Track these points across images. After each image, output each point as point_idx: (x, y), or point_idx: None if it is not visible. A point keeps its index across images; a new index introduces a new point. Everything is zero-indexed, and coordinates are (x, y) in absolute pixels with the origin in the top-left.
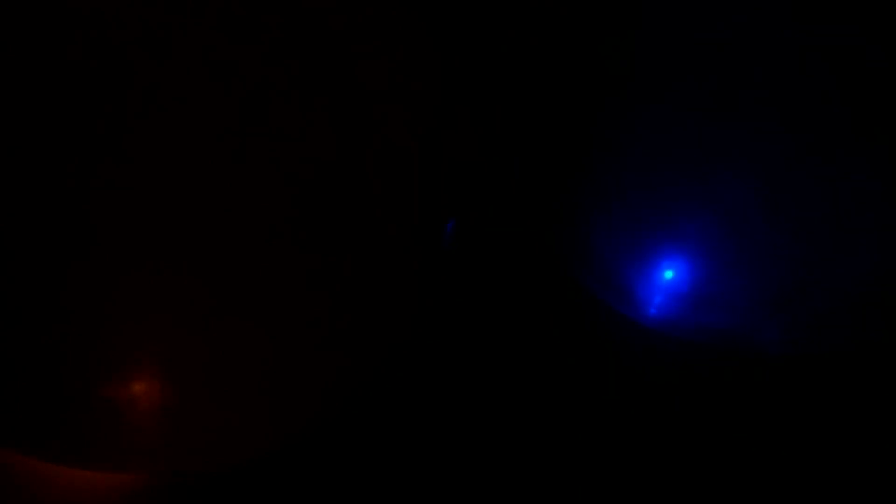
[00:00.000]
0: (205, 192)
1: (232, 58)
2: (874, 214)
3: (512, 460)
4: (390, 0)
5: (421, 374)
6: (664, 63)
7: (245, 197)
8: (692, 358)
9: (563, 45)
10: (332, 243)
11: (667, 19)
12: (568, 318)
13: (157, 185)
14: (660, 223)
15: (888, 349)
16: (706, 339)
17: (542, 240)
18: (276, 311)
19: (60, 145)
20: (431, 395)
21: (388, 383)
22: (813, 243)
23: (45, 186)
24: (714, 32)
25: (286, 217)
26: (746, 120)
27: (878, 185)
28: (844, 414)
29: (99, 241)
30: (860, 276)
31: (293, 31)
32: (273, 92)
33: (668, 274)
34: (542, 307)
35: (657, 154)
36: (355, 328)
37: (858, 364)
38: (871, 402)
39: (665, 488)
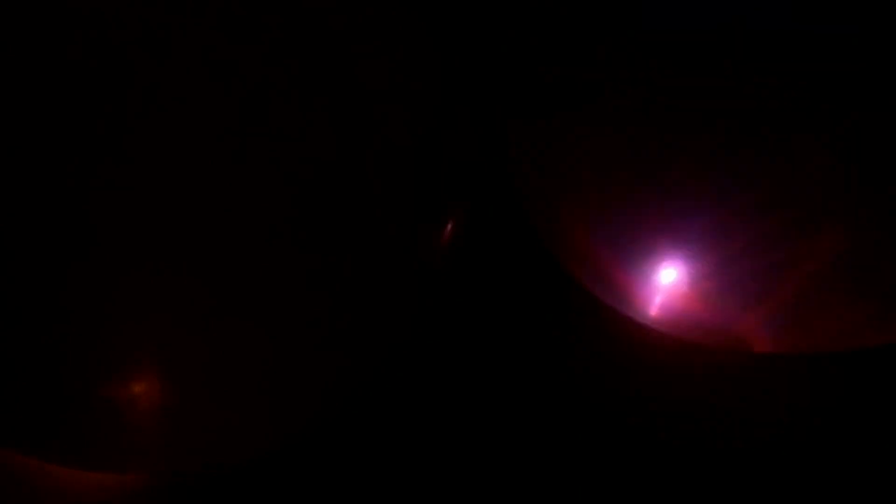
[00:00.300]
0: (205, 192)
1: (232, 58)
2: (871, 211)
3: (512, 460)
4: (390, 0)
5: (421, 375)
6: (662, 61)
7: (245, 197)
8: (691, 357)
9: (562, 44)
10: (332, 243)
11: (666, 17)
12: (566, 317)
13: (158, 185)
14: (657, 221)
15: (887, 349)
16: (703, 337)
17: (540, 239)
18: (276, 311)
19: (60, 145)
20: (432, 395)
21: (388, 383)
22: (811, 241)
23: (45, 186)
24: (712, 29)
25: (286, 217)
26: (742, 119)
27: (873, 180)
28: (842, 414)
29: (99, 241)
30: (858, 275)
31: (293, 31)
32: (273, 92)
33: (666, 272)
34: (540, 306)
35: (655, 152)
36: (355, 328)
37: (858, 364)
38: (869, 402)
39: (665, 488)
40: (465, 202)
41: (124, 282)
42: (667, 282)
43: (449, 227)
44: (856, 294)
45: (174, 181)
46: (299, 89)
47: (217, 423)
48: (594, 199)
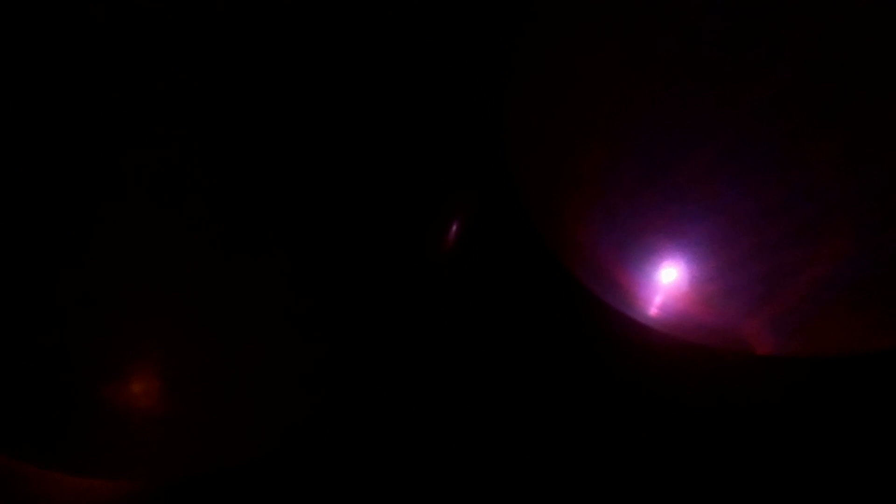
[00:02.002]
0: (203, 194)
1: (234, 56)
2: (873, 212)
3: (512, 460)
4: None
5: (422, 375)
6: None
7: (245, 196)
8: (693, 359)
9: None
10: (335, 243)
11: (674, 12)
12: (568, 317)
13: (156, 187)
14: (659, 221)
15: (886, 352)
16: (706, 339)
17: (542, 239)
18: (277, 312)
19: (61, 147)
20: (433, 395)
21: (388, 383)
22: (812, 242)
23: (45, 189)
24: (719, 27)
25: (287, 217)
26: (746, 118)
27: (878, 184)
28: (843, 417)
29: (98, 245)
30: (861, 277)
31: (295, 29)
32: (274, 91)
33: (669, 274)
34: (541, 307)
35: (658, 152)
36: (358, 328)
37: (858, 366)
38: (871, 405)
39: (665, 487)
40: (467, 202)
41: (124, 287)
42: (669, 283)
43: (450, 227)
44: (860, 298)
45: (173, 183)
46: (300, 88)
47: (216, 425)
48: (596, 200)
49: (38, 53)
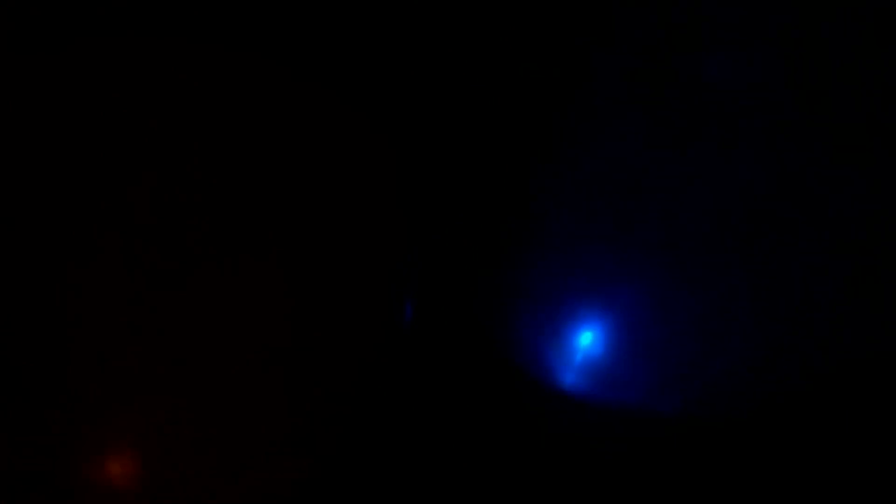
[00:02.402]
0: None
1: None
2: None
3: None
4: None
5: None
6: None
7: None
8: (606, 427)
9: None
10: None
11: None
12: (493, 390)
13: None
14: (572, 302)
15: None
16: (615, 408)
17: (470, 315)
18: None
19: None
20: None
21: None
22: (710, 327)
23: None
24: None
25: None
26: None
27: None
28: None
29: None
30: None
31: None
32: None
33: (581, 344)
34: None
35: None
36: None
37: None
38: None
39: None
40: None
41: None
42: (589, 350)
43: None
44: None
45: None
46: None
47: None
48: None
49: None
